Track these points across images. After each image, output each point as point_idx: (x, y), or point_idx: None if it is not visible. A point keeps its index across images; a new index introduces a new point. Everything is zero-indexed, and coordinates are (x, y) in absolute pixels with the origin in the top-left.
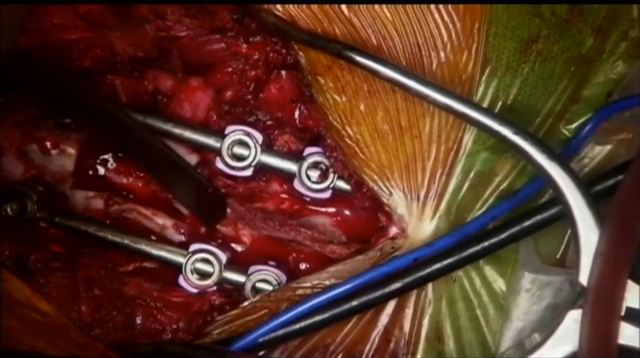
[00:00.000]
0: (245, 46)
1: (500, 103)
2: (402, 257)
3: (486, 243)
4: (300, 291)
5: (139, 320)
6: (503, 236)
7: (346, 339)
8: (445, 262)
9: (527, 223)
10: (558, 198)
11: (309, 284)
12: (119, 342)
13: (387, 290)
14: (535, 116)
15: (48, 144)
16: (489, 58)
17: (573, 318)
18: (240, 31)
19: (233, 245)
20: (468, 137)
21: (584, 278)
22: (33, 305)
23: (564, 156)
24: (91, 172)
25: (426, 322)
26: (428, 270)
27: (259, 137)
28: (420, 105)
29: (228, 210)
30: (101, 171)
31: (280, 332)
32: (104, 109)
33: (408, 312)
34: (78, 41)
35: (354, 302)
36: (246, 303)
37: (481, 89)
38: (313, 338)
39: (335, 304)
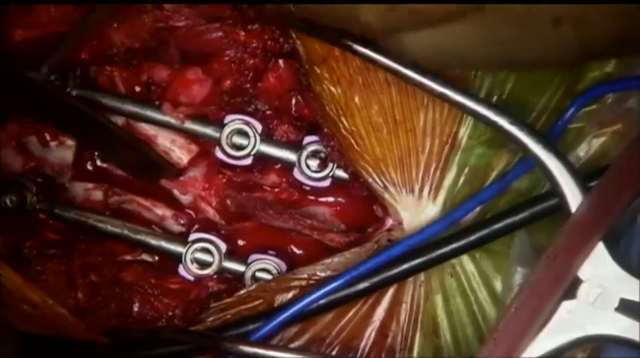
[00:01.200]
0: (243, 33)
1: (495, 98)
2: (394, 247)
3: (481, 233)
4: (295, 283)
5: (135, 307)
6: (497, 226)
7: (342, 333)
8: (439, 251)
9: (522, 215)
10: (554, 189)
11: (305, 276)
12: (114, 329)
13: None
14: (530, 111)
15: (47, 136)
16: None
17: (567, 309)
18: (238, 19)
19: (233, 234)
20: (463, 132)
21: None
22: (23, 296)
23: (550, 138)
24: (90, 164)
25: (422, 317)
26: (422, 259)
27: (259, 126)
28: (414, 99)
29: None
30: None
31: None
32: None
33: (405, 307)
34: None
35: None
36: (241, 292)
37: (476, 84)
38: (309, 330)
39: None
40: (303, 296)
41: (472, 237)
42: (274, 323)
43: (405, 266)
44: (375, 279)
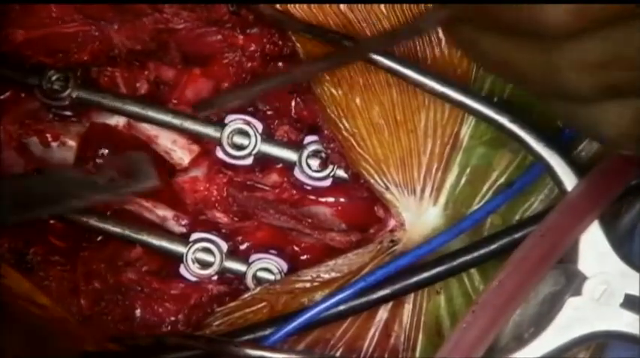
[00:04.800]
0: (242, 37)
1: (495, 99)
2: (402, 257)
3: (476, 254)
4: (299, 285)
5: (138, 313)
6: (492, 247)
7: (346, 335)
8: (434, 271)
9: (517, 235)
10: (558, 188)
11: (308, 278)
12: (118, 335)
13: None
14: (531, 112)
15: (48, 136)
16: None
17: (573, 306)
18: (237, 23)
19: (234, 234)
20: (465, 132)
21: (583, 266)
22: (32, 300)
23: (562, 142)
24: (91, 164)
25: (425, 317)
26: (417, 278)
27: (259, 126)
28: (415, 99)
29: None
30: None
31: None
32: None
33: (408, 307)
34: (76, 34)
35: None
36: (245, 295)
37: (476, 85)
38: (313, 332)
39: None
40: (314, 305)
41: (492, 247)
42: (284, 331)
43: (417, 278)
44: (387, 291)
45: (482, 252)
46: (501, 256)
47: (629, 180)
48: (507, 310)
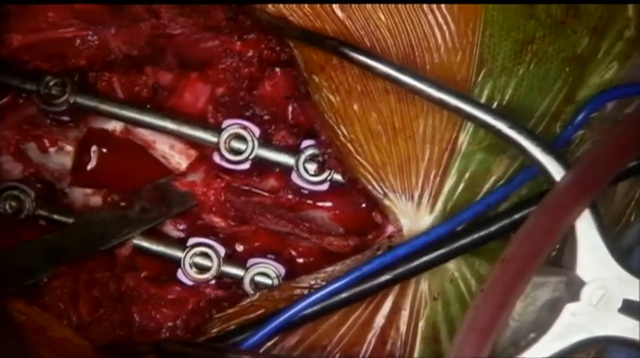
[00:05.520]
0: (239, 43)
1: (495, 104)
2: (400, 247)
3: (482, 233)
4: (297, 291)
5: (136, 319)
6: (494, 228)
7: (342, 340)
8: (439, 252)
9: (518, 216)
10: None
11: (306, 284)
12: (117, 341)
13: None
14: (530, 117)
15: (46, 142)
16: (485, 59)
17: (571, 311)
18: (235, 29)
19: (231, 238)
20: (463, 138)
21: (581, 272)
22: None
23: (556, 147)
24: (89, 169)
25: (422, 323)
26: (421, 260)
27: (256, 131)
28: (413, 106)
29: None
30: None
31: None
32: None
33: (405, 313)
34: (73, 39)
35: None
36: (244, 303)
37: (476, 91)
38: (309, 338)
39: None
40: (304, 298)
41: (473, 237)
42: (272, 325)
43: (402, 269)
44: (374, 282)
45: (466, 240)
46: (483, 245)
47: (618, 167)
48: (516, 286)
